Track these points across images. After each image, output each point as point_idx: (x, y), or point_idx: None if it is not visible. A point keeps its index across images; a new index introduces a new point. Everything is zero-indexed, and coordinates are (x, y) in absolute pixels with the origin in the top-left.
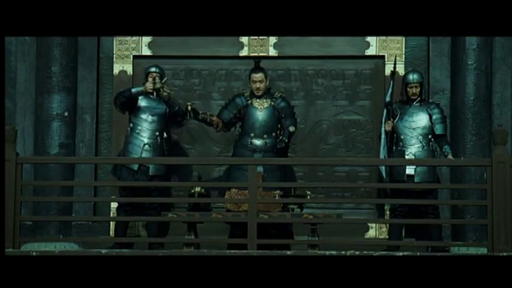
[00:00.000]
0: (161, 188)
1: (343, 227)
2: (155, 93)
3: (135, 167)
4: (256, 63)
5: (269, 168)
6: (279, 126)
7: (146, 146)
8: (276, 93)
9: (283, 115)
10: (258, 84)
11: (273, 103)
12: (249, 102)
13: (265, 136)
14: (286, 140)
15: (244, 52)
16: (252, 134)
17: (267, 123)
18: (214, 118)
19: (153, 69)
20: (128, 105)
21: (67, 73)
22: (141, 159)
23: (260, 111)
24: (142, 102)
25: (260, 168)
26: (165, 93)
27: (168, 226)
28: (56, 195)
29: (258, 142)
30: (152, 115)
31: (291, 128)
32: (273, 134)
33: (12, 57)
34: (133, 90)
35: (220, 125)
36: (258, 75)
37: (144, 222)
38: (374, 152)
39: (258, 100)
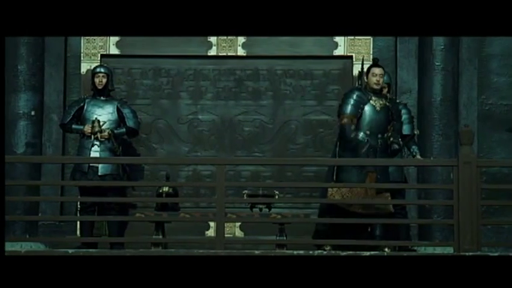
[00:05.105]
0: (116, 188)
1: (311, 226)
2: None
3: (85, 168)
4: (375, 60)
5: (381, 169)
6: (388, 127)
7: (95, 146)
8: (392, 97)
9: (397, 118)
10: (378, 77)
11: (388, 104)
12: (369, 98)
13: (379, 136)
14: (399, 145)
15: (212, 52)
16: (368, 132)
17: (382, 123)
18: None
19: (99, 69)
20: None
21: (33, 72)
22: (106, 158)
23: (378, 109)
24: (89, 106)
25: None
26: (105, 134)
27: (126, 226)
28: (23, 195)
29: (372, 141)
30: (100, 116)
31: (416, 131)
32: (385, 134)
33: None
34: (74, 127)
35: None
36: (380, 69)
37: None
38: None
39: (374, 98)
